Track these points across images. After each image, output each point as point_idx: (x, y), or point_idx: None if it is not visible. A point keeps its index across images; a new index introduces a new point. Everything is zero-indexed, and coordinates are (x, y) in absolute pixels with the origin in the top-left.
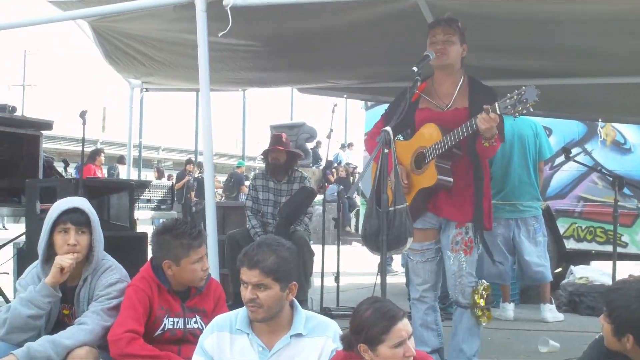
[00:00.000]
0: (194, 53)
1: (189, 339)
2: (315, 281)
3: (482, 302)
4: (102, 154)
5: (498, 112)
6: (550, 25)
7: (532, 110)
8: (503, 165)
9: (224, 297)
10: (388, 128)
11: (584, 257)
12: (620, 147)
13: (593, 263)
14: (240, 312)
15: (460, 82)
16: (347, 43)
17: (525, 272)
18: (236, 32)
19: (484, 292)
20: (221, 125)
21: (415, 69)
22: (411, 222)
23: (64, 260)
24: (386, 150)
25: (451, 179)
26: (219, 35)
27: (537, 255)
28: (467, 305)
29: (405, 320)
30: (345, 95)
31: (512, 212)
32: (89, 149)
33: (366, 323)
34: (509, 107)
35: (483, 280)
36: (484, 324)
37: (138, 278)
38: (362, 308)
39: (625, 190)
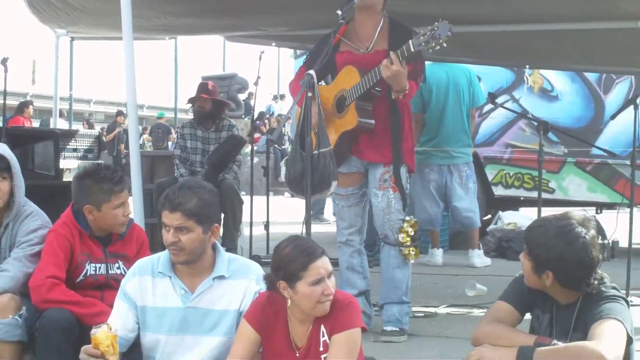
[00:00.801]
0: None
1: (112, 284)
2: (245, 230)
3: (408, 240)
4: (31, 106)
5: (412, 50)
6: None
7: (445, 45)
8: (437, 112)
9: (147, 243)
10: (312, 72)
11: (513, 204)
12: (547, 94)
13: (522, 209)
14: (162, 256)
15: (381, 24)
16: None
17: (456, 218)
18: None
19: (410, 229)
20: (154, 79)
21: (339, 12)
22: (335, 166)
23: None
24: (309, 94)
25: (372, 121)
26: None
27: (467, 201)
28: (394, 242)
29: (325, 259)
30: (273, 44)
31: (445, 159)
32: (17, 101)
33: (285, 260)
34: (423, 44)
35: (410, 217)
36: (412, 261)
37: (59, 224)
38: (282, 245)
39: (552, 137)
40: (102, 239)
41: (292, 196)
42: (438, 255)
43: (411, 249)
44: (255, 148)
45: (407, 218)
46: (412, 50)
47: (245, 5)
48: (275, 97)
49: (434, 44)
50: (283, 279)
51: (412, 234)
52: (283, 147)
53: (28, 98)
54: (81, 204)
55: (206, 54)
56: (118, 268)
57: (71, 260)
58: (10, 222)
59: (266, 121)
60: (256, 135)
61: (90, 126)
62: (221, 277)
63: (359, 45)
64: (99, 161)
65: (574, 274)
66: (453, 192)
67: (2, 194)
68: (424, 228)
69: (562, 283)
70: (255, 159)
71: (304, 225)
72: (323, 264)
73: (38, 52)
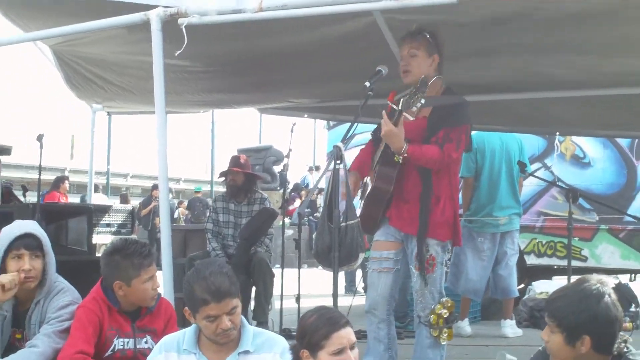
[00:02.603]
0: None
1: (139, 359)
2: (277, 303)
3: (440, 322)
4: (67, 181)
5: (400, 108)
6: (508, 38)
7: (423, 102)
8: (491, 179)
9: (175, 317)
10: (340, 144)
11: (545, 273)
12: (579, 161)
13: (555, 278)
14: (188, 332)
15: (435, 93)
16: (304, 62)
17: (498, 285)
18: (193, 52)
19: (444, 311)
20: (191, 151)
21: (367, 84)
22: (362, 238)
23: (4, 278)
24: (338, 166)
25: (388, 187)
26: (175, 55)
27: (512, 269)
28: (426, 322)
29: (349, 329)
30: (305, 115)
31: (499, 226)
32: (54, 176)
33: (309, 329)
34: (410, 101)
35: (446, 299)
36: (444, 343)
37: (88, 299)
38: (307, 315)
39: (585, 204)
40: (130, 313)
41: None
42: (465, 326)
43: (444, 330)
44: (289, 220)
45: (443, 300)
46: (400, 108)
47: (277, 79)
48: (310, 169)
49: (412, 101)
50: (306, 347)
51: (446, 315)
52: (316, 219)
53: (66, 173)
54: (111, 280)
55: (243, 126)
56: (146, 342)
57: (100, 335)
58: (41, 298)
59: (302, 193)
60: (291, 207)
61: (125, 200)
62: (246, 352)
63: (410, 113)
64: (126, 236)
65: (609, 333)
66: (504, 259)
67: (36, 272)
68: (466, 297)
69: (597, 347)
70: (291, 231)
71: (332, 297)
72: (346, 334)
73: (77, 127)
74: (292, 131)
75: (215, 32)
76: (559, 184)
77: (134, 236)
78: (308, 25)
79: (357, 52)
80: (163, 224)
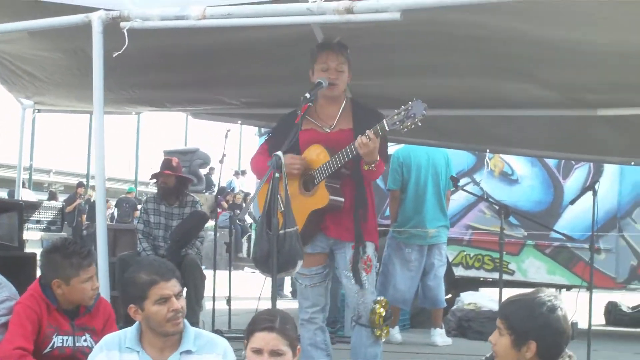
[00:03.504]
0: (86, 71)
1: (79, 357)
2: (207, 304)
3: (380, 321)
4: None
5: (387, 129)
6: (443, 56)
7: (419, 125)
8: (417, 192)
9: (114, 316)
10: (279, 153)
11: (472, 284)
12: (507, 177)
13: (481, 290)
14: (130, 330)
15: (343, 104)
16: (238, 62)
17: (426, 295)
18: (128, 46)
19: (382, 310)
20: (114, 150)
21: (307, 95)
22: (301, 246)
23: None
24: (277, 175)
25: (342, 199)
26: (114, 56)
27: (439, 280)
28: (368, 323)
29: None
30: (239, 122)
31: (426, 238)
32: None
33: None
34: (397, 122)
35: (381, 297)
36: (383, 340)
37: (26, 296)
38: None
39: (513, 220)
40: (69, 312)
41: (254, 272)
42: (396, 333)
43: (383, 328)
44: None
45: (379, 298)
46: (387, 129)
47: (212, 78)
48: (236, 173)
49: (409, 123)
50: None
51: (384, 314)
52: (242, 223)
53: None
54: (49, 278)
55: (168, 128)
56: (85, 341)
57: (38, 332)
58: None
59: (228, 197)
60: (219, 210)
61: (54, 197)
62: (188, 352)
63: (322, 124)
64: (63, 234)
65: (556, 343)
66: (431, 270)
67: None
68: (395, 306)
69: (541, 355)
70: (218, 234)
71: (271, 301)
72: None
73: None
74: (226, 137)
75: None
76: (490, 200)
77: (63, 233)
78: (244, 28)
79: (289, 57)
80: (99, 222)
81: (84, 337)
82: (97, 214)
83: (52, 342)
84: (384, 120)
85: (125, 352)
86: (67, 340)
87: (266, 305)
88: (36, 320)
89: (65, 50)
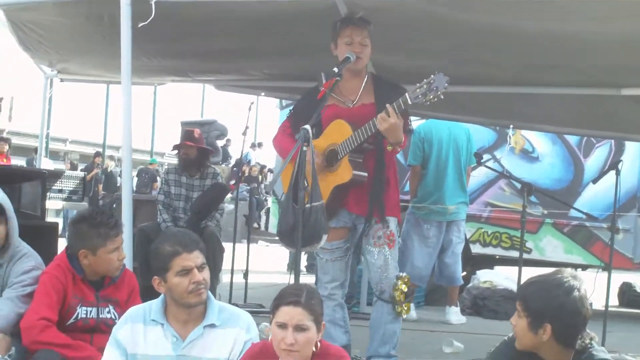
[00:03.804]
0: (111, 39)
1: (102, 328)
2: (224, 277)
3: (402, 297)
4: (6, 143)
5: (409, 102)
6: (467, 33)
7: (442, 97)
8: (438, 168)
9: (138, 288)
10: (307, 126)
11: (489, 262)
12: (528, 155)
13: (497, 268)
14: (155, 303)
15: (365, 79)
16: (264, 34)
17: (443, 273)
18: (155, 14)
19: (404, 286)
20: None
21: (336, 69)
22: (326, 220)
23: None
24: (305, 148)
25: (365, 174)
26: (139, 26)
27: (457, 257)
28: (390, 299)
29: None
30: (263, 93)
31: (446, 215)
32: None
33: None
34: (420, 96)
35: (403, 274)
36: (404, 316)
37: (53, 266)
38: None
39: (532, 198)
40: (94, 283)
41: (268, 245)
42: (411, 310)
43: (405, 305)
44: (231, 195)
45: (401, 275)
46: (409, 102)
47: (235, 48)
48: (253, 145)
49: (431, 96)
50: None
51: (406, 290)
52: (257, 196)
53: (5, 135)
54: (76, 248)
55: (185, 99)
56: (108, 312)
57: (63, 303)
58: (4, 262)
59: (244, 169)
60: (232, 182)
61: (74, 168)
62: (212, 326)
63: (344, 99)
64: (84, 204)
65: (572, 325)
66: (449, 247)
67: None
68: (413, 283)
69: (558, 337)
70: (231, 207)
71: (292, 275)
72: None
73: (16, 89)
74: (249, 109)
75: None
76: (513, 177)
77: (84, 203)
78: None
79: (313, 30)
80: (125, 193)
81: (107, 309)
82: (123, 185)
83: (77, 313)
84: (407, 94)
85: (149, 324)
86: (90, 311)
87: (282, 279)
88: (62, 290)
89: (88, 16)
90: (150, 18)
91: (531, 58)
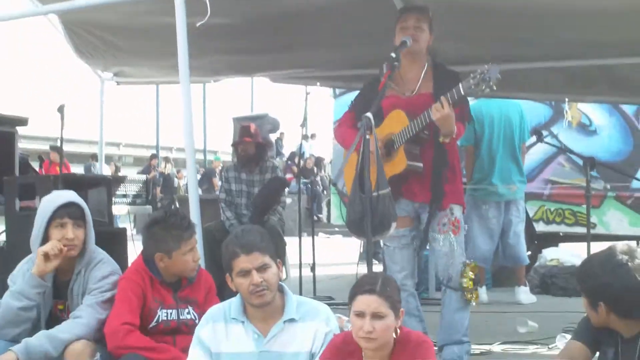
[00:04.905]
0: (167, 39)
1: (183, 329)
2: (293, 272)
3: (470, 284)
4: (57, 152)
5: (462, 93)
6: (517, 16)
7: (495, 89)
8: (492, 148)
9: (214, 287)
10: (369, 114)
11: (553, 239)
12: (585, 128)
13: (561, 245)
14: (234, 302)
15: (425, 68)
16: (318, 26)
17: (507, 254)
18: (211, 11)
19: (471, 274)
20: (180, 120)
21: (393, 55)
22: (394, 207)
23: (46, 247)
24: (368, 137)
25: (421, 164)
26: (197, 25)
27: (520, 237)
28: (457, 287)
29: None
30: (318, 83)
31: (504, 195)
32: (46, 146)
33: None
34: (472, 86)
35: (471, 260)
36: (473, 304)
37: (131, 271)
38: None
39: (593, 172)
40: (172, 284)
41: (329, 237)
42: (482, 293)
43: (474, 293)
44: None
45: (468, 261)
46: (462, 93)
47: (290, 42)
48: (305, 137)
49: (484, 87)
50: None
51: (474, 277)
52: (315, 188)
53: (57, 142)
54: (152, 251)
55: (234, 95)
56: (188, 313)
57: (143, 306)
58: (82, 269)
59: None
60: (288, 175)
61: (118, 171)
62: (292, 320)
63: (403, 89)
64: (148, 207)
65: (625, 300)
66: (510, 228)
67: (79, 242)
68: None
69: (617, 313)
70: (289, 200)
71: (358, 266)
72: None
73: (68, 97)
74: (306, 100)
75: None
76: (574, 152)
77: (149, 206)
78: None
79: (368, 18)
80: (191, 193)
81: (187, 310)
82: (189, 185)
83: (157, 316)
84: (460, 85)
85: (230, 322)
86: (171, 313)
87: (349, 270)
88: (141, 294)
89: (145, 16)
90: (207, 17)
91: (585, 34)
